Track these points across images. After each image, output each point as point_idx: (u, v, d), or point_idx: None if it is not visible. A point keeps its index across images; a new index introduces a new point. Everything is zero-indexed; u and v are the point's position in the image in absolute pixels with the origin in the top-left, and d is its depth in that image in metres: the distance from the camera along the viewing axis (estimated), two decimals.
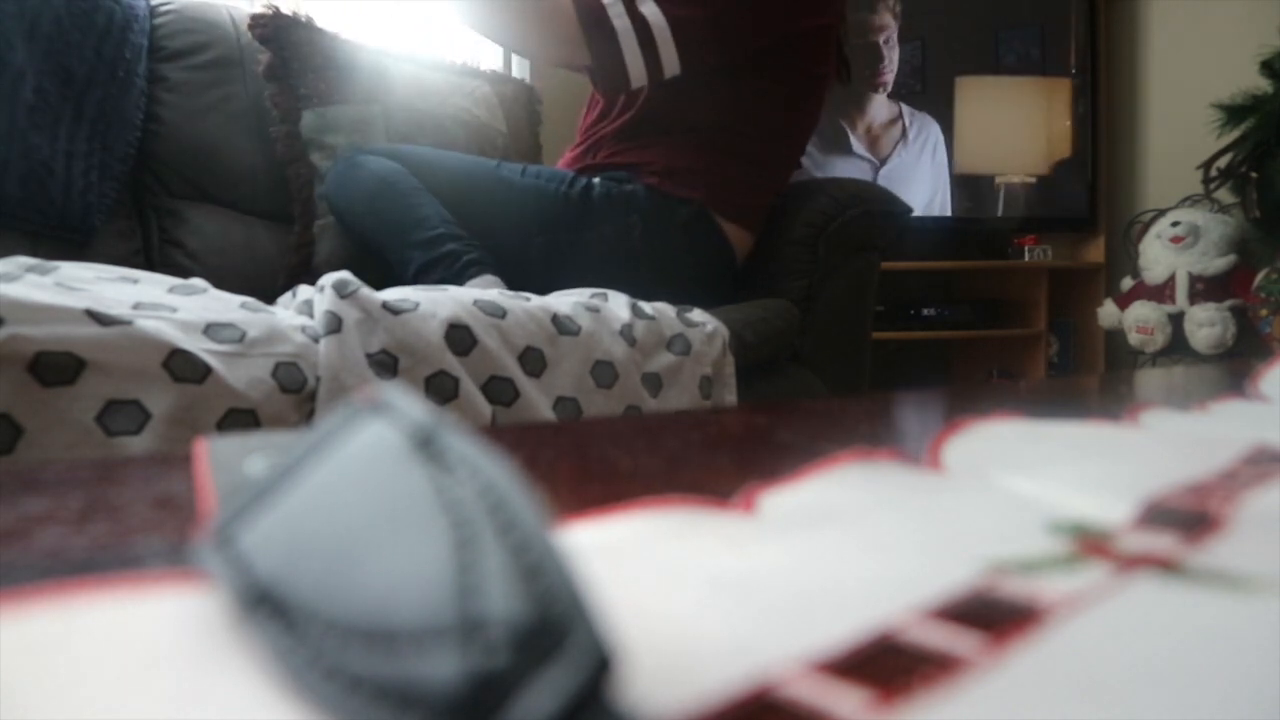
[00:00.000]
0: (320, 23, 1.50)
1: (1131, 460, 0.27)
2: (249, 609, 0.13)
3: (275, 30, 1.44)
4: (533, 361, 0.84)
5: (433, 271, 1.12)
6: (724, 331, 1.04)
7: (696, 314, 1.05)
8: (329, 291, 0.77)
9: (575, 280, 1.08)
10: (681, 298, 1.11)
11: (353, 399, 0.15)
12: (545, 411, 0.83)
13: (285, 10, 1.46)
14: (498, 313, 0.84)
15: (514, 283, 1.08)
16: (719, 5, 1.18)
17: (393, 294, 0.81)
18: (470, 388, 0.78)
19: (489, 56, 1.89)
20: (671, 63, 1.18)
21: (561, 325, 0.88)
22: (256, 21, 1.45)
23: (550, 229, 1.21)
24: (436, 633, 0.10)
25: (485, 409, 0.78)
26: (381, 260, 1.21)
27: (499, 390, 0.81)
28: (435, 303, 0.81)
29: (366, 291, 0.78)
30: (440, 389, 0.76)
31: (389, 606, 0.11)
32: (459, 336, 0.79)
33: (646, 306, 1.00)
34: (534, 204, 1.22)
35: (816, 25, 1.27)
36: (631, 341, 0.94)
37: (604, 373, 0.89)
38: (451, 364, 0.77)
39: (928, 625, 0.15)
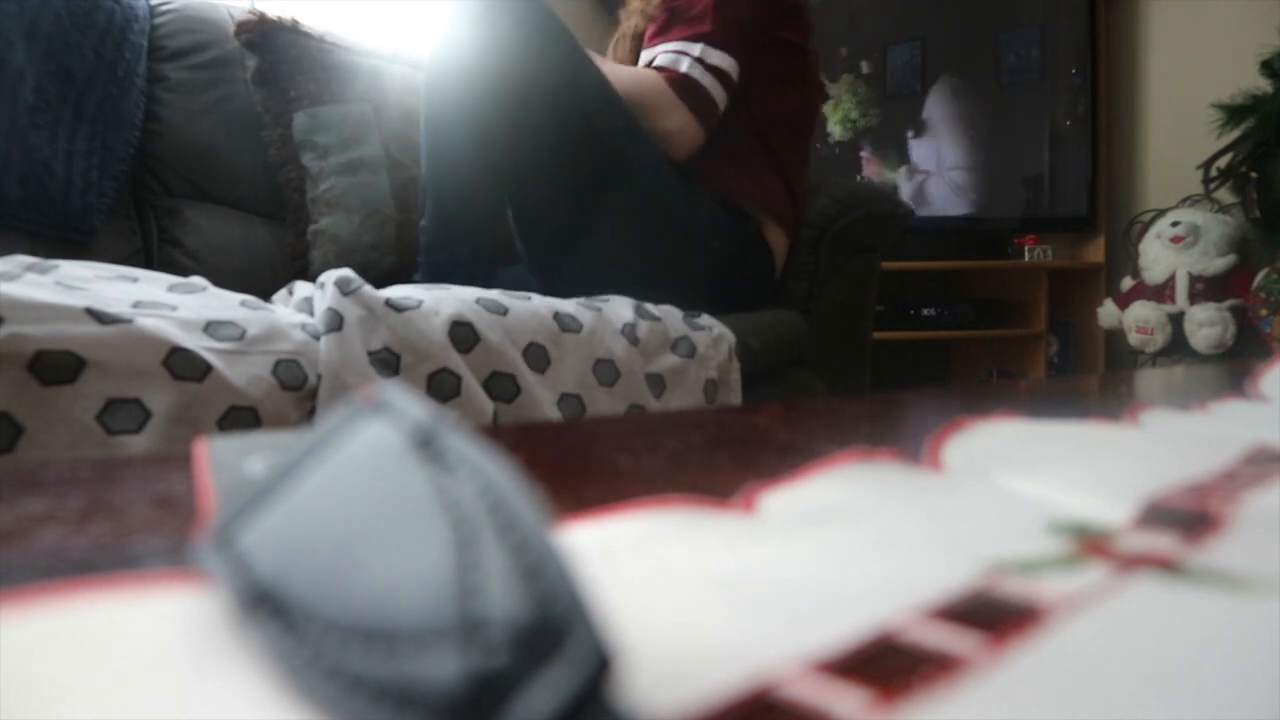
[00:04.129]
0: (307, 25, 1.49)
1: (1131, 460, 0.27)
2: (249, 609, 0.13)
3: (261, 35, 1.44)
4: (536, 357, 0.84)
5: (422, 269, 1.14)
6: (730, 337, 1.04)
7: (704, 319, 1.05)
8: (331, 289, 0.77)
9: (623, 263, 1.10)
10: (721, 309, 1.13)
11: (353, 398, 0.15)
12: (549, 407, 0.83)
13: (271, 15, 1.45)
14: (500, 310, 0.84)
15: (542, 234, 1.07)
16: (739, 16, 1.26)
17: (395, 291, 0.82)
18: (472, 385, 0.78)
19: None
20: (737, 75, 1.26)
21: (564, 323, 0.89)
22: (242, 28, 1.44)
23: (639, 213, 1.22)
24: (436, 633, 0.10)
25: (487, 406, 0.78)
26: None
27: (501, 387, 0.81)
28: (438, 300, 0.81)
29: (369, 289, 0.78)
30: (442, 386, 0.76)
31: (389, 606, 0.11)
32: (462, 334, 0.79)
33: (653, 309, 1.00)
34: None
35: (789, 39, 1.33)
36: (634, 341, 0.94)
37: (605, 371, 0.89)
38: (454, 361, 0.78)
39: (928, 625, 0.15)
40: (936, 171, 2.61)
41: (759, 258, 1.29)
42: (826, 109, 2.64)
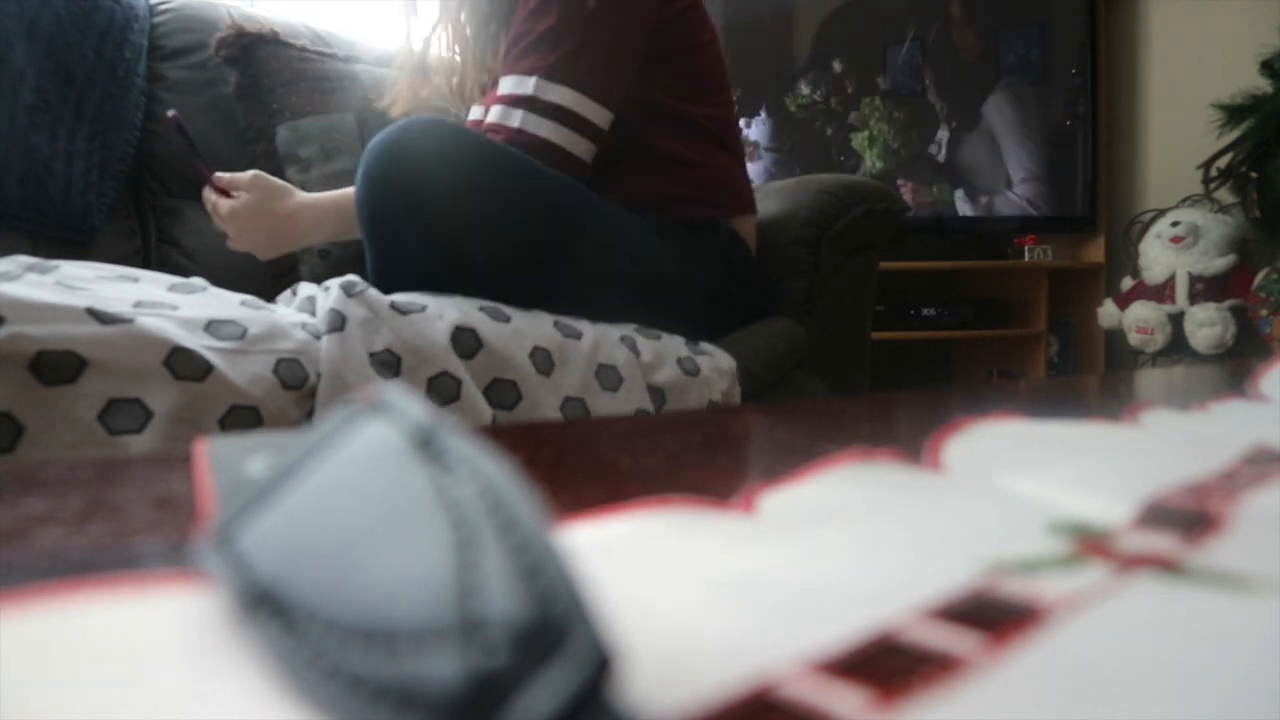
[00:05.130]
0: (287, 35, 1.47)
1: (1131, 460, 0.27)
2: (249, 609, 0.13)
3: (241, 50, 1.42)
4: (542, 359, 0.84)
5: None
6: (731, 365, 1.04)
7: (704, 346, 1.04)
8: (336, 290, 0.77)
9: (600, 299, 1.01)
10: (711, 321, 1.09)
11: (353, 398, 0.15)
12: (551, 411, 0.83)
13: (249, 27, 1.44)
14: (503, 318, 0.84)
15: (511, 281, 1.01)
16: (594, 36, 1.09)
17: (400, 296, 0.82)
18: (472, 390, 0.78)
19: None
20: (603, 117, 1.10)
21: (565, 329, 0.89)
22: (222, 43, 1.42)
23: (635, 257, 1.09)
24: (436, 633, 0.10)
25: (486, 412, 0.78)
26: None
27: (502, 394, 0.81)
28: (442, 306, 0.81)
29: (374, 292, 0.78)
30: (442, 390, 0.76)
31: (389, 606, 0.11)
32: (465, 339, 0.79)
33: (656, 331, 1.00)
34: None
35: (686, 5, 1.20)
36: (635, 351, 0.94)
37: (609, 376, 0.89)
38: (455, 366, 0.77)
39: (928, 625, 0.15)
40: (1000, 189, 2.56)
41: (739, 257, 1.23)
42: (860, 143, 2.57)
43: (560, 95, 1.07)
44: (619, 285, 1.04)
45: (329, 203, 1.13)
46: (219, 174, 1.14)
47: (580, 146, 1.09)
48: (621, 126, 1.17)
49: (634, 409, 0.90)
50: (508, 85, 1.09)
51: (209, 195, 1.15)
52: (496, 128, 1.08)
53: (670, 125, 1.20)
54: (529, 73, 1.07)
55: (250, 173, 1.12)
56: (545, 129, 1.06)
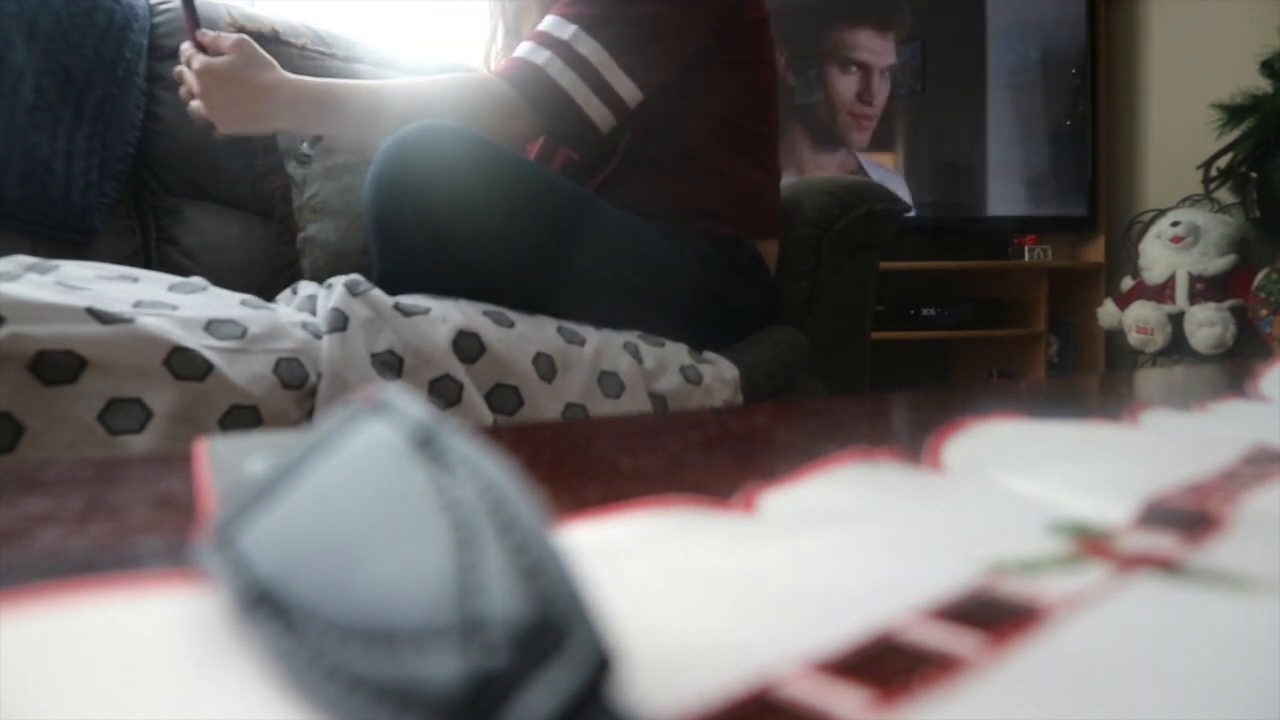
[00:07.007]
0: (288, 33, 1.47)
1: (1131, 460, 0.27)
2: (249, 609, 0.13)
3: None
4: (544, 366, 0.84)
5: None
6: (735, 376, 1.04)
7: (708, 355, 1.04)
8: (340, 289, 0.77)
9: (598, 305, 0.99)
10: (722, 334, 1.09)
11: (353, 398, 0.16)
12: (553, 419, 0.83)
13: (249, 25, 1.44)
14: (507, 323, 0.84)
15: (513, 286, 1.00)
16: (652, 13, 1.08)
17: (405, 298, 0.82)
18: (474, 395, 0.78)
19: (470, 53, 1.87)
20: (629, 90, 1.07)
21: (568, 335, 0.89)
22: None
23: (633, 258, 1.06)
24: (436, 633, 0.10)
25: (487, 417, 0.78)
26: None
27: (503, 399, 0.81)
28: (446, 309, 0.81)
29: (378, 292, 0.78)
30: (443, 393, 0.76)
31: (389, 606, 0.11)
32: (467, 344, 0.79)
33: (660, 339, 1.00)
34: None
35: (755, 19, 1.18)
36: (638, 358, 0.93)
37: (611, 384, 0.89)
38: (457, 370, 0.77)
39: (928, 625, 0.15)
40: (1000, 189, 2.58)
41: (756, 278, 1.21)
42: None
43: (593, 52, 1.05)
44: (625, 291, 1.03)
45: (309, 86, 1.06)
46: (205, 30, 1.06)
47: (596, 110, 1.06)
48: (669, 126, 1.15)
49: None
50: (548, 24, 1.06)
51: (186, 49, 1.06)
52: (520, 61, 1.05)
53: (718, 134, 1.18)
54: (573, 19, 1.05)
55: (237, 35, 1.04)
56: (566, 79, 1.04)
